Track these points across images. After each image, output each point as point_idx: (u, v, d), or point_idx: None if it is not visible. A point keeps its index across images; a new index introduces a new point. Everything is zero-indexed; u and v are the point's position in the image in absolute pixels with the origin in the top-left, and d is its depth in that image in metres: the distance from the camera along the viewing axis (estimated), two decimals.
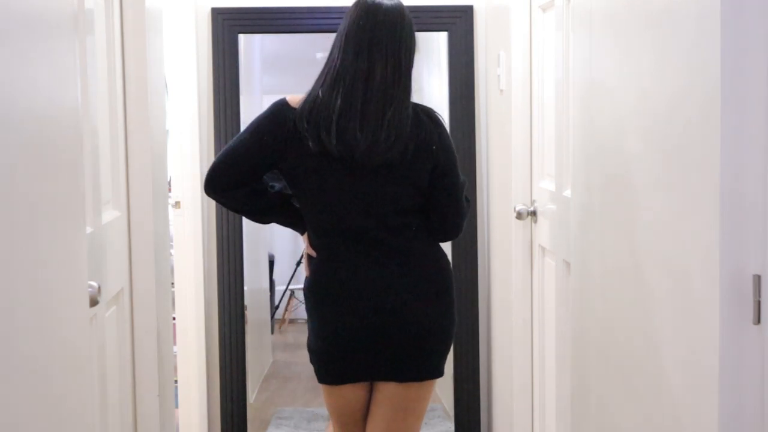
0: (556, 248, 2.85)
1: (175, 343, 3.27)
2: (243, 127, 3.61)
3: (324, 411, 4.15)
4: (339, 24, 2.31)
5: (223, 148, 2.36)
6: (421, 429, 3.95)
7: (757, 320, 1.42)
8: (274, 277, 5.85)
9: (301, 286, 2.77)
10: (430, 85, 4.38)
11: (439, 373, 2.41)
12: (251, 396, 4.09)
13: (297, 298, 5.94)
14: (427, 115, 2.30)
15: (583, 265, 2.24)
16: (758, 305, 1.41)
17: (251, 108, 4.51)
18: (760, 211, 1.41)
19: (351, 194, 2.26)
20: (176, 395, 3.43)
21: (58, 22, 1.61)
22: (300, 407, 4.29)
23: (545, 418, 3.07)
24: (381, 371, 2.33)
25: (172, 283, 3.23)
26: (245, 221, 3.68)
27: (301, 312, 5.82)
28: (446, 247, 3.81)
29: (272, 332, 5.55)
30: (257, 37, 4.73)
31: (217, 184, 2.32)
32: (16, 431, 1.32)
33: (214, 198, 2.38)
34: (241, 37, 3.65)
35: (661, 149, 1.69)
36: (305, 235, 2.39)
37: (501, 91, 3.36)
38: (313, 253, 2.35)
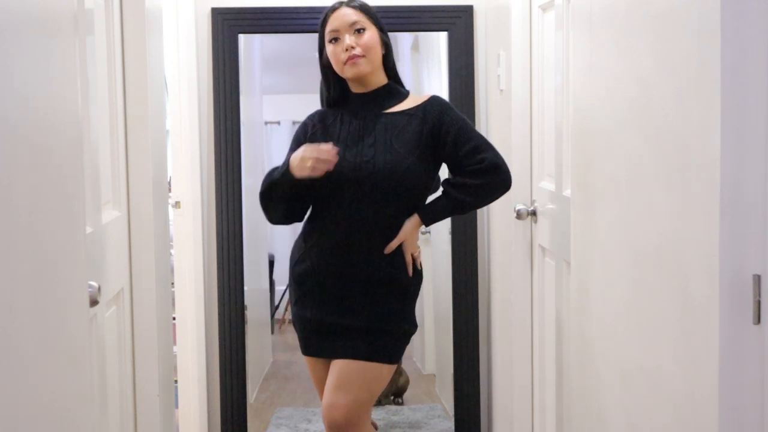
0: (556, 248, 2.85)
1: (175, 343, 3.27)
2: (243, 127, 3.65)
3: None
4: None
5: None
6: (421, 429, 3.95)
7: (757, 320, 1.42)
8: (274, 277, 5.85)
9: None
10: (430, 85, 4.38)
11: None
12: (251, 396, 4.09)
13: None
14: None
15: (583, 265, 2.24)
16: (758, 305, 1.41)
17: (251, 108, 4.51)
18: (760, 211, 1.41)
19: None
20: (176, 395, 3.43)
21: (58, 22, 1.61)
22: (300, 407, 4.29)
23: (545, 418, 3.07)
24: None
25: (172, 283, 3.22)
26: (245, 221, 3.68)
27: None
28: (446, 246, 3.81)
29: (272, 332, 5.55)
30: (257, 37, 4.73)
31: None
32: (16, 431, 1.32)
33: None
34: (241, 37, 3.65)
35: (661, 149, 1.69)
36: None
37: (501, 91, 3.36)
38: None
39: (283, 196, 2.45)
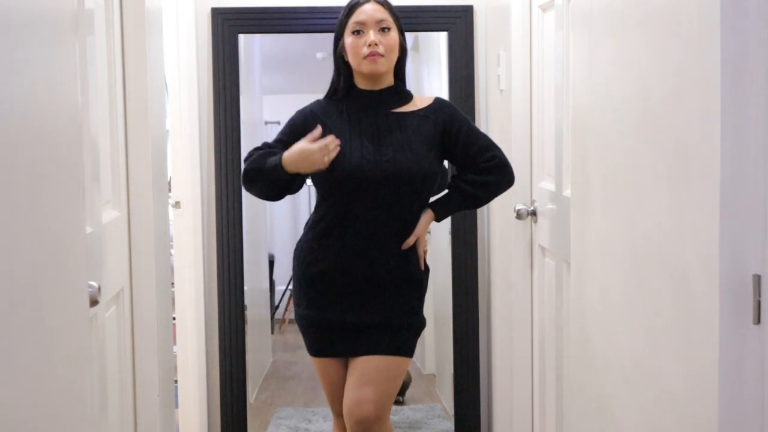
0: (556, 248, 2.85)
1: (175, 343, 3.27)
2: (243, 127, 3.65)
3: (324, 410, 4.15)
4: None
5: None
6: (422, 429, 3.95)
7: (757, 320, 1.42)
8: (274, 277, 5.85)
9: None
10: (430, 85, 4.38)
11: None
12: (251, 396, 4.08)
13: None
14: None
15: (582, 265, 2.24)
16: (758, 305, 1.41)
17: (251, 108, 4.51)
18: (760, 211, 1.41)
19: None
20: (176, 395, 3.43)
21: (58, 22, 1.61)
22: (300, 407, 4.29)
23: (545, 418, 3.07)
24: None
25: (172, 283, 3.22)
26: (245, 221, 3.68)
27: None
28: (446, 246, 3.80)
29: (272, 332, 5.55)
30: (257, 37, 4.73)
31: None
32: (16, 431, 1.32)
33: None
34: (241, 37, 3.65)
35: (661, 149, 1.69)
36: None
37: (501, 91, 3.36)
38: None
39: (270, 184, 2.42)
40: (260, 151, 2.47)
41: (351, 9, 2.47)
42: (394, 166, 2.41)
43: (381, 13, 2.45)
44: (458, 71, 3.61)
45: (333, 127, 2.46)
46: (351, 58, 2.46)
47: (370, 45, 2.42)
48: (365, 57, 2.42)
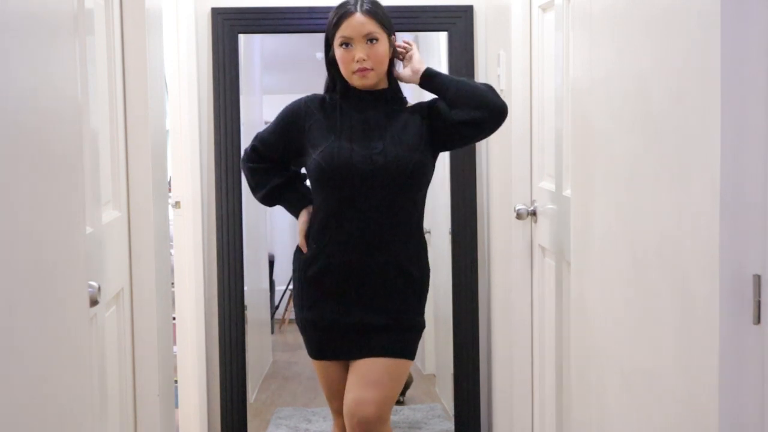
0: (556, 248, 2.85)
1: (175, 343, 3.27)
2: (243, 127, 3.65)
3: (324, 410, 4.15)
4: None
5: None
6: (422, 429, 3.95)
7: (757, 320, 1.42)
8: (274, 277, 5.85)
9: None
10: None
11: None
12: (251, 396, 4.08)
13: None
14: None
15: (582, 265, 2.24)
16: (758, 305, 1.41)
17: (251, 108, 4.51)
18: (760, 211, 1.41)
19: None
20: (176, 395, 3.43)
21: (58, 22, 1.61)
22: (300, 407, 4.29)
23: (545, 418, 3.07)
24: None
25: (172, 283, 3.22)
26: (245, 221, 3.68)
27: None
28: (446, 245, 3.80)
29: (272, 332, 5.55)
30: (257, 37, 4.73)
31: None
32: (16, 431, 1.32)
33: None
34: (241, 37, 3.65)
35: (660, 149, 1.69)
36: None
37: (501, 91, 3.36)
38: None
39: (271, 199, 2.68)
40: (267, 173, 2.64)
41: (338, 20, 2.46)
42: (384, 157, 2.42)
43: (368, 25, 2.43)
44: (458, 71, 3.61)
45: (324, 120, 2.49)
46: (342, 70, 2.48)
47: (358, 61, 2.43)
48: (354, 72, 2.44)
